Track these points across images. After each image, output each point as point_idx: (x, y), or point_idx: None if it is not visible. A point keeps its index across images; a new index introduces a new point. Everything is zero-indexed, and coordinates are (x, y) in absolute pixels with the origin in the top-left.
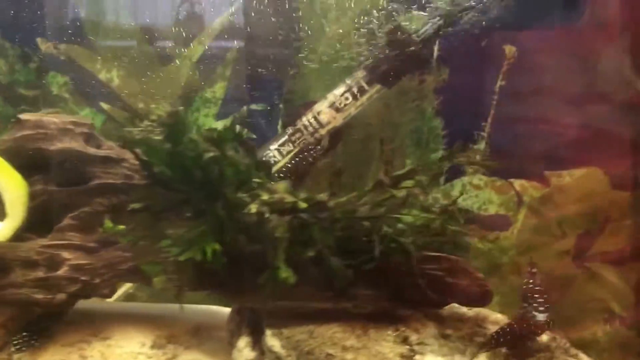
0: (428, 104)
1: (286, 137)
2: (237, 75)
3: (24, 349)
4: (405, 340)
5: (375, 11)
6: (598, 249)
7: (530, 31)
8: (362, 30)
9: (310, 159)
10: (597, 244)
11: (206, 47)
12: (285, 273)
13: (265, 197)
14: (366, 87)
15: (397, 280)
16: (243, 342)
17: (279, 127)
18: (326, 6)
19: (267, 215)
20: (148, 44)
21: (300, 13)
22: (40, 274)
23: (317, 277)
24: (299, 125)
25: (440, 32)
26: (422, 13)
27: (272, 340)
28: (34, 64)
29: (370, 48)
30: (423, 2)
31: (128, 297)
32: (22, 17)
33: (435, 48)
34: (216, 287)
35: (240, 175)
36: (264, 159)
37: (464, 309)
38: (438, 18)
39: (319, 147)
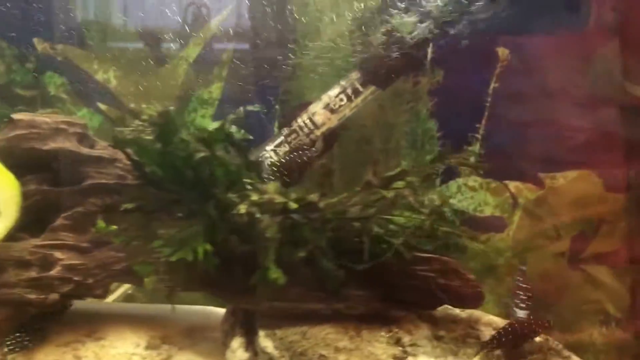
0: (422, 106)
1: (282, 138)
2: (234, 76)
3: (17, 349)
4: (398, 342)
5: (369, 13)
6: (593, 250)
7: (535, 36)
8: (356, 32)
9: (304, 159)
10: (592, 246)
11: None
12: (275, 274)
13: (254, 197)
14: (360, 88)
15: (389, 281)
16: (236, 343)
17: (275, 127)
18: (321, 8)
19: (257, 215)
20: (155, 46)
21: (295, 15)
22: (33, 274)
23: (309, 278)
24: (295, 126)
25: (434, 34)
26: (415, 15)
27: (265, 341)
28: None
29: (365, 50)
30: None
31: (127, 298)
32: (26, 18)
33: (429, 50)
34: (209, 288)
35: (231, 175)
36: (260, 159)
37: (457, 311)
38: (431, 20)
39: (313, 149)
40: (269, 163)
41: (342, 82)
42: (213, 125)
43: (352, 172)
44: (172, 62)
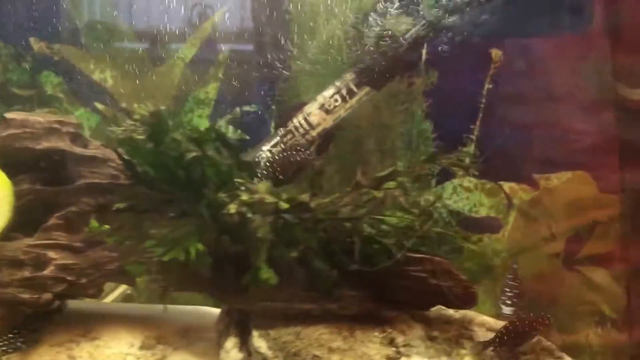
0: (417, 107)
1: (278, 138)
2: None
3: (9, 351)
4: (391, 342)
5: (363, 14)
6: (588, 251)
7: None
8: (351, 32)
9: (297, 158)
10: (587, 246)
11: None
12: (267, 274)
13: (245, 197)
14: (355, 89)
15: (382, 282)
16: (230, 343)
17: (271, 128)
18: (316, 9)
19: (249, 215)
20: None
21: (291, 15)
22: (26, 273)
23: (302, 279)
24: (290, 126)
25: (428, 35)
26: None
27: (259, 342)
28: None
29: (359, 50)
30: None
31: (125, 298)
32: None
33: (424, 51)
34: (201, 288)
35: (222, 175)
36: (256, 160)
37: (451, 311)
38: (424, 21)
39: (308, 152)
40: (263, 162)
41: (337, 83)
42: (205, 125)
43: (347, 172)
44: (169, 62)
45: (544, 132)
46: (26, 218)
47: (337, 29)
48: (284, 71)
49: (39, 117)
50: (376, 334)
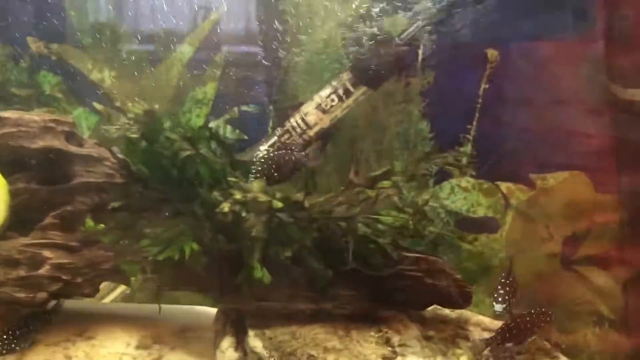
0: (414, 107)
1: (275, 138)
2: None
3: (4, 352)
4: (387, 342)
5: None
6: (584, 251)
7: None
8: (348, 33)
9: (292, 157)
10: (584, 247)
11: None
12: (260, 273)
13: (238, 195)
14: (352, 89)
15: (377, 281)
16: (226, 343)
17: (269, 128)
18: (313, 9)
19: (243, 214)
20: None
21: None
22: (22, 272)
23: (297, 278)
24: (288, 126)
25: (423, 35)
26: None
27: (255, 341)
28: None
29: (355, 50)
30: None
31: (125, 298)
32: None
33: (420, 52)
34: (196, 287)
35: (215, 174)
36: (254, 159)
37: (447, 311)
38: (419, 22)
39: (303, 153)
40: (258, 159)
41: (334, 83)
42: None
43: (345, 172)
44: (166, 62)
45: (543, 133)
46: (22, 217)
47: (334, 29)
48: (282, 71)
49: (34, 116)
50: (372, 333)
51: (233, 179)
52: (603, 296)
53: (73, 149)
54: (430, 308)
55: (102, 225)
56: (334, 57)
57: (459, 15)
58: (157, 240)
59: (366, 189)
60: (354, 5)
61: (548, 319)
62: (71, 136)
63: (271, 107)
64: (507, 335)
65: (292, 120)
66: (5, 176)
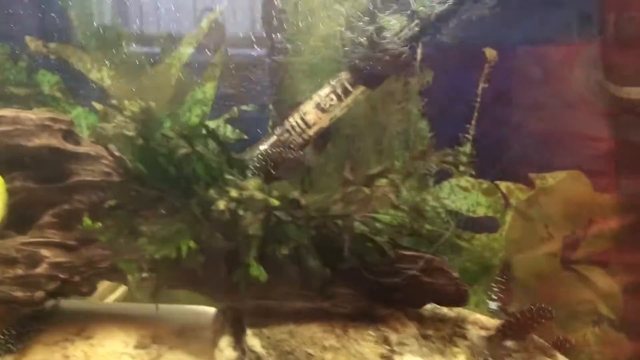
0: (413, 106)
1: (275, 137)
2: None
3: (0, 352)
4: (385, 340)
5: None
6: (584, 251)
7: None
8: (346, 31)
9: (289, 155)
10: (583, 246)
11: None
12: (257, 271)
13: (233, 193)
14: (350, 88)
15: (375, 280)
16: (225, 342)
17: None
18: (311, 8)
19: (240, 212)
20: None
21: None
22: (19, 271)
23: (295, 277)
24: (287, 125)
25: (422, 35)
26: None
27: (253, 340)
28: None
29: (354, 49)
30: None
31: (127, 298)
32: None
33: (419, 51)
34: (194, 286)
35: (212, 171)
36: (253, 157)
37: (445, 310)
38: (418, 21)
39: (301, 152)
40: (256, 156)
41: (332, 82)
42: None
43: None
44: (165, 62)
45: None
46: (19, 216)
47: (332, 28)
48: (282, 70)
49: (31, 114)
50: (370, 332)
51: (230, 177)
52: (603, 296)
53: (70, 147)
54: (428, 307)
55: (99, 224)
56: (333, 57)
57: (459, 14)
58: (153, 239)
59: (363, 187)
60: (352, 4)
61: (548, 315)
62: (68, 134)
63: (271, 107)
64: (508, 331)
65: (291, 119)
66: (2, 175)
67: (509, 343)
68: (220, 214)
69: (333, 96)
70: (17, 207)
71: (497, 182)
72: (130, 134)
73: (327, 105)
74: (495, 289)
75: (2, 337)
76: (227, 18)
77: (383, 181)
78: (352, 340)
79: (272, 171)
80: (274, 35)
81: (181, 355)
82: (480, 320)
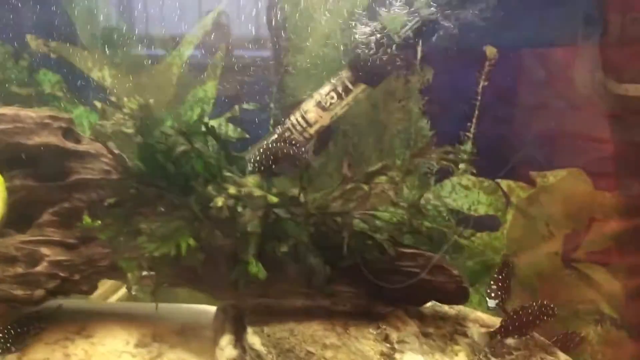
0: (414, 105)
1: (276, 136)
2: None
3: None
4: (386, 338)
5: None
6: (585, 249)
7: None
8: (346, 30)
9: (290, 151)
10: (584, 244)
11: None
12: (255, 268)
13: (232, 190)
14: (351, 86)
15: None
16: (225, 340)
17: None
18: (312, 6)
19: (239, 209)
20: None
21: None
22: (19, 270)
23: (295, 274)
24: (288, 124)
25: (422, 33)
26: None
27: (253, 338)
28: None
29: (354, 48)
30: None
31: (129, 297)
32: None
33: (419, 49)
34: (194, 284)
35: (211, 169)
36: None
37: (446, 307)
38: (418, 19)
39: (303, 149)
40: (257, 151)
41: (333, 80)
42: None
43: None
44: (166, 61)
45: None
46: (19, 214)
47: (332, 26)
48: (283, 69)
49: (31, 112)
50: (370, 330)
51: (228, 174)
52: (605, 294)
53: (70, 145)
54: (429, 305)
55: (99, 222)
56: (334, 55)
57: (459, 12)
58: (153, 237)
59: (363, 184)
60: (352, 2)
61: (550, 312)
62: (68, 132)
63: (272, 105)
64: (510, 327)
65: (292, 117)
66: (2, 173)
67: (510, 341)
68: (219, 211)
69: (334, 94)
70: (17, 206)
71: (498, 180)
72: (129, 131)
73: (328, 104)
74: (494, 287)
75: (1, 335)
76: (228, 18)
77: (382, 178)
78: (353, 338)
79: (273, 165)
80: (275, 34)
81: (182, 354)
82: (481, 318)
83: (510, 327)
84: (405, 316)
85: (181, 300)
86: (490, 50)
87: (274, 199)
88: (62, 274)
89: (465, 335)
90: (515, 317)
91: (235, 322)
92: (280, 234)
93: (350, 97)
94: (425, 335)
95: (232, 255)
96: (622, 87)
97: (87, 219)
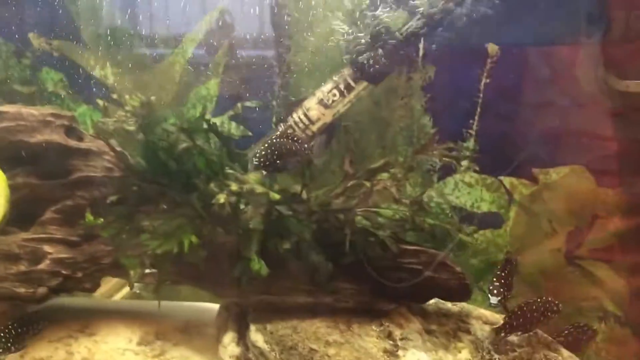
0: (417, 102)
1: (278, 133)
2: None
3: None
4: (389, 335)
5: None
6: (588, 246)
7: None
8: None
9: (292, 147)
10: (587, 241)
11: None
12: (257, 265)
13: (234, 187)
14: (353, 84)
15: (377, 274)
16: (228, 338)
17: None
18: (314, 4)
19: (242, 206)
20: None
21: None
22: (22, 267)
23: (298, 271)
24: (291, 121)
25: (423, 31)
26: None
27: (256, 336)
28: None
29: (356, 46)
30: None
31: (133, 296)
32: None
33: (421, 46)
34: (196, 281)
35: (213, 166)
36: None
37: (449, 305)
38: (420, 17)
39: (306, 145)
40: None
41: (335, 78)
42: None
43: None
44: (168, 59)
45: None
46: (21, 212)
47: (334, 24)
48: (285, 67)
49: (33, 110)
50: (373, 327)
51: (230, 171)
52: (608, 292)
53: (72, 143)
54: (432, 302)
55: (101, 220)
56: (335, 53)
57: (460, 11)
58: (155, 234)
59: (365, 181)
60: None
61: (555, 308)
62: (71, 130)
63: (274, 103)
64: (515, 323)
65: (294, 115)
66: (4, 171)
67: (513, 338)
68: (221, 208)
69: (336, 92)
70: (19, 204)
71: (501, 177)
72: (131, 128)
73: (330, 101)
74: (496, 284)
75: (2, 335)
76: (232, 16)
77: (385, 175)
78: (356, 335)
79: (277, 161)
80: (278, 33)
81: (185, 352)
82: (485, 315)
83: (515, 323)
84: (408, 313)
85: (184, 298)
86: (492, 48)
87: (276, 196)
88: (64, 272)
89: (468, 332)
90: (519, 313)
91: (238, 319)
92: (282, 231)
93: (352, 95)
94: (429, 332)
95: (235, 253)
96: (623, 83)
97: (89, 217)
